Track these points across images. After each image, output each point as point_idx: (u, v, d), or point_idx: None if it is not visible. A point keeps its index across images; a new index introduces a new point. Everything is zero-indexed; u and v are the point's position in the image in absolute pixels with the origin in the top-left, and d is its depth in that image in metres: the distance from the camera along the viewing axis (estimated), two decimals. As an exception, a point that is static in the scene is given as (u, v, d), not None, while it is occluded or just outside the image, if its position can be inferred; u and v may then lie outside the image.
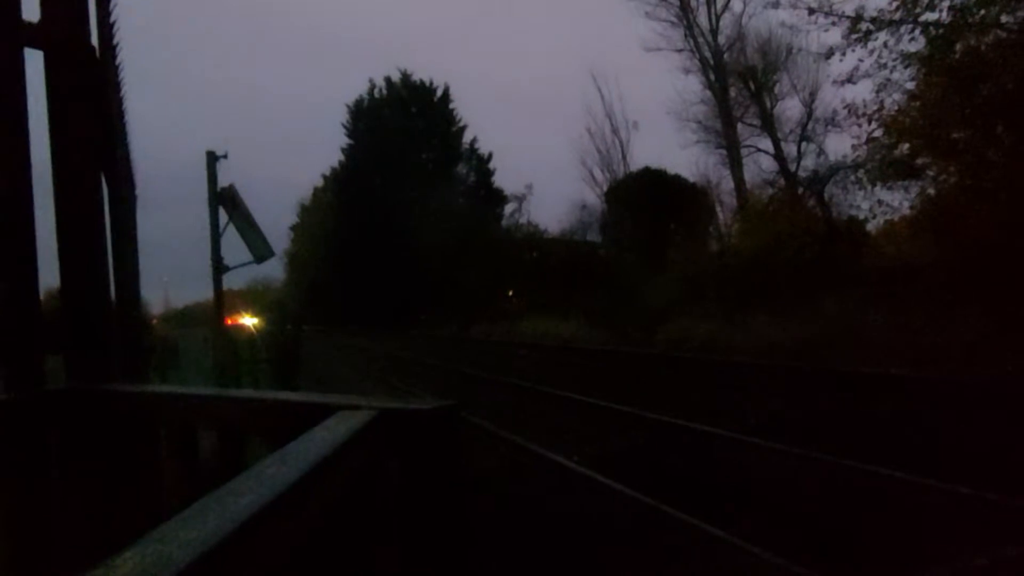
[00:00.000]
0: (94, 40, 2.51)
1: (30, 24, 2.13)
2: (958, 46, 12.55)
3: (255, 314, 37.12)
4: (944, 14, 12.43)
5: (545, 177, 51.79)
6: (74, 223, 2.31)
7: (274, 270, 68.42)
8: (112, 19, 2.75)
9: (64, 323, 2.28)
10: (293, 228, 66.90)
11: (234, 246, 10.56)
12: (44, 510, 2.01)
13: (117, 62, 2.89)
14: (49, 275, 2.33)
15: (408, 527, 1.29)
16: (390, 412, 1.30)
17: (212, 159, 10.12)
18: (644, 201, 26.16)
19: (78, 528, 1.98)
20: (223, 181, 10.36)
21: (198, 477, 1.83)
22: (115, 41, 2.78)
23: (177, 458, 1.90)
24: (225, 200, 10.03)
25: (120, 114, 3.20)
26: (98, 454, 1.98)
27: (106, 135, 2.82)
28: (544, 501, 5.10)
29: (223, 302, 10.89)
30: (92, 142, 2.41)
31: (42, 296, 2.29)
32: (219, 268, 10.35)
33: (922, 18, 12.70)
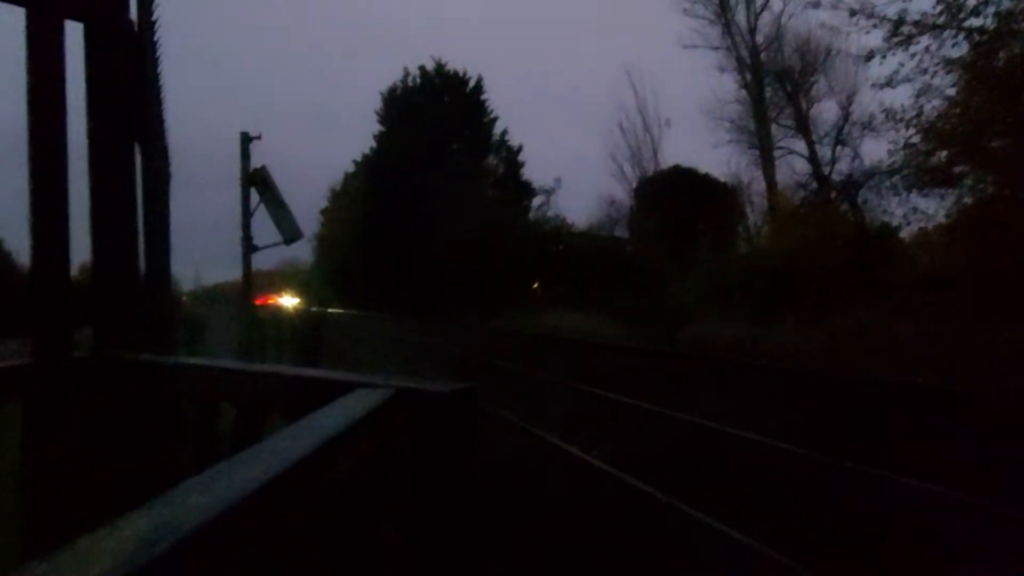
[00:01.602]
0: (133, 15, 2.54)
1: (71, -3, 2.16)
2: (1002, 53, 12.24)
3: (296, 294, 36.97)
4: (989, 20, 12.13)
5: (574, 171, 51.60)
6: (107, 196, 2.34)
7: (303, 252, 69.05)
8: (151, -5, 2.78)
9: (94, 295, 2.31)
10: (323, 212, 67.43)
11: (265, 226, 10.69)
12: (68, 474, 2.05)
13: (155, 38, 2.92)
14: (83, 248, 2.38)
15: (420, 508, 1.30)
16: (407, 391, 1.30)
17: (246, 140, 10.23)
18: (673, 199, 25.94)
19: (99, 491, 2.02)
20: (256, 163, 10.48)
21: (217, 447, 1.86)
22: (154, 17, 2.82)
23: (197, 428, 1.93)
24: (257, 181, 10.14)
25: (156, 90, 3.23)
26: (121, 421, 2.02)
27: (142, 110, 2.86)
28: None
29: (251, 281, 11.02)
30: (128, 117, 2.44)
31: (75, 269, 2.33)
32: (249, 248, 10.48)
33: (966, 23, 12.40)
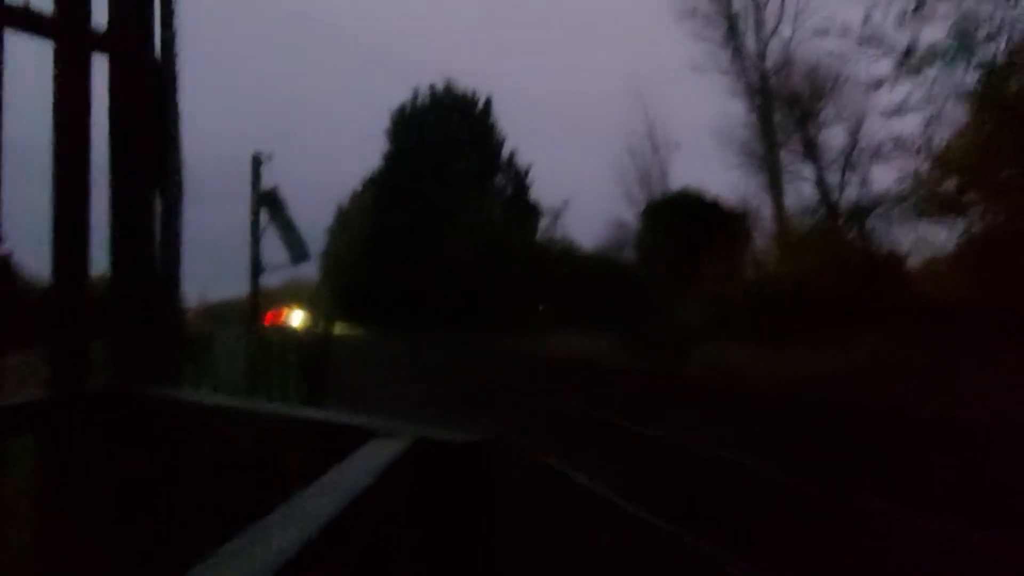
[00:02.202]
0: (157, 47, 2.57)
1: (98, 30, 2.19)
2: (1014, 82, 12.23)
3: (306, 307, 36.23)
4: (1001, 50, 12.13)
5: (582, 192, 51.52)
6: (127, 224, 2.34)
7: (310, 270, 68.89)
8: (174, 29, 2.81)
9: (111, 320, 2.31)
10: (330, 230, 67.45)
11: (273, 245, 10.72)
12: (80, 505, 2.04)
13: (176, 69, 2.95)
14: (99, 267, 2.39)
15: (437, 561, 1.28)
16: (427, 441, 1.29)
17: (257, 162, 10.29)
18: (680, 222, 25.90)
19: (111, 527, 2.01)
20: (264, 181, 10.53)
21: (232, 488, 1.85)
22: (176, 50, 2.85)
23: (212, 467, 1.91)
24: (268, 202, 10.19)
25: (175, 118, 3.27)
26: (135, 456, 2.01)
27: (162, 138, 2.88)
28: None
29: (259, 303, 11.04)
30: (150, 145, 2.45)
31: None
32: (257, 268, 10.51)
33: (978, 53, 12.41)
